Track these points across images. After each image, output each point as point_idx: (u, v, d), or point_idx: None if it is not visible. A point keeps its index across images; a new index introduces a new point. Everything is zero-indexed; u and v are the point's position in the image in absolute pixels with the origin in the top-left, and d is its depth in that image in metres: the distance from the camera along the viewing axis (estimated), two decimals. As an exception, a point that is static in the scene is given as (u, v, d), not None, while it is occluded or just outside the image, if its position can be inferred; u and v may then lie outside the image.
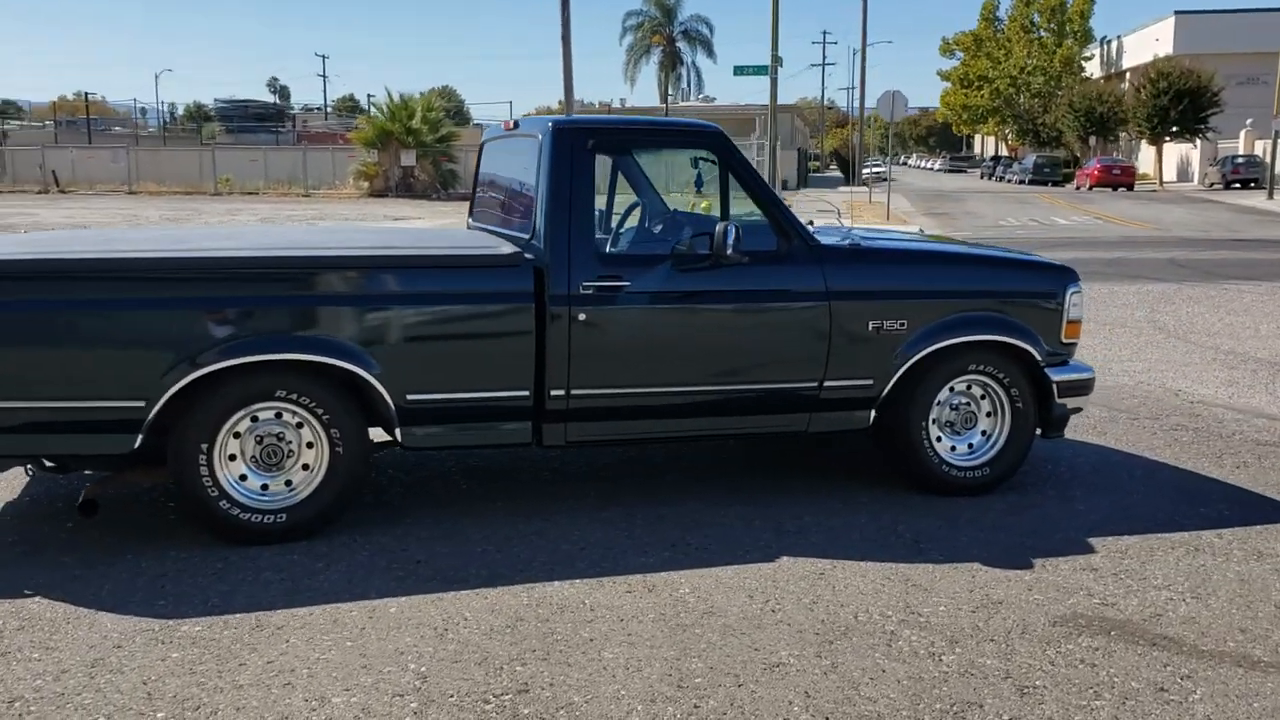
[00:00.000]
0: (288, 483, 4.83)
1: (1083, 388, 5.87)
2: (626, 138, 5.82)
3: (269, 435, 4.77)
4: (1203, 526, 5.20)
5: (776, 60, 26.12)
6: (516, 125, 5.72)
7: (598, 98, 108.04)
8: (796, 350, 5.34)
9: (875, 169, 55.37)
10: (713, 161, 5.35)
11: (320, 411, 4.76)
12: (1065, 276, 5.84)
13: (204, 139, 57.81)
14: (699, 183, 5.58)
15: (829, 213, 28.61)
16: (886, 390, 5.46)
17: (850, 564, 4.67)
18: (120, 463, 4.84)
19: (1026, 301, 5.72)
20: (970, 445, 5.70)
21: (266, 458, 4.78)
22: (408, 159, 40.91)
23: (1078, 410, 5.97)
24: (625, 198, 6.19)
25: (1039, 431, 5.80)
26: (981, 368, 5.61)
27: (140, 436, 4.60)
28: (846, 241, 5.65)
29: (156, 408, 4.56)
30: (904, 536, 5.03)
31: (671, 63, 79.09)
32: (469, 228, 6.38)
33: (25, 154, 45.28)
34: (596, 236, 5.23)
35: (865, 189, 40.86)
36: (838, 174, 75.00)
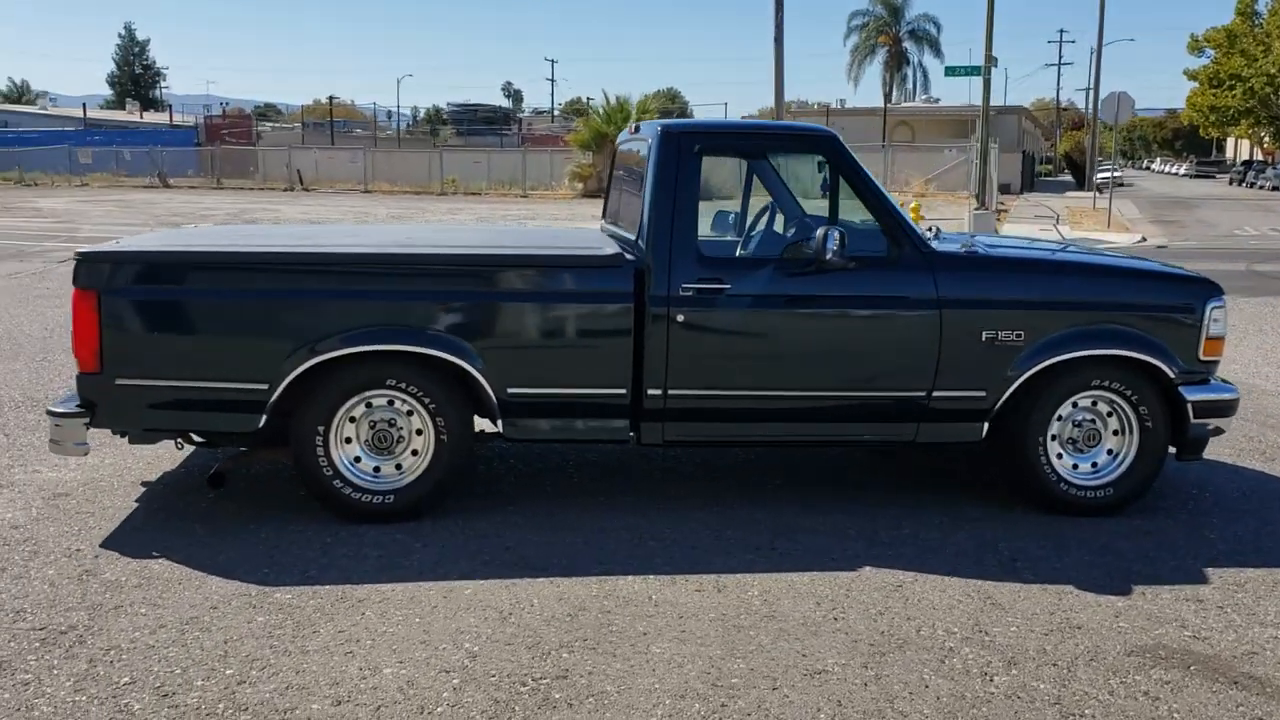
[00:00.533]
0: (398, 466, 5.10)
1: (1224, 409, 5.54)
2: (735, 141, 5.85)
3: (382, 421, 5.05)
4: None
5: (990, 61, 25.29)
6: (638, 129, 5.85)
7: (818, 98, 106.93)
8: (904, 358, 5.26)
9: (1109, 173, 52.73)
10: (826, 165, 5.32)
11: (427, 400, 5.03)
12: (1205, 290, 5.53)
13: (436, 142, 60.48)
14: (824, 187, 5.55)
15: (1047, 218, 27.57)
16: (1000, 403, 5.30)
17: (932, 578, 4.58)
18: (251, 440, 5.24)
19: (1159, 315, 5.45)
20: (1094, 464, 5.48)
21: (379, 442, 5.05)
22: (623, 160, 41.63)
23: (1219, 432, 5.64)
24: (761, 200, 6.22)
25: (1174, 453, 5.52)
26: (1107, 383, 5.38)
27: (264, 417, 4.96)
28: (963, 249, 5.51)
29: (278, 391, 4.91)
30: (1001, 554, 4.89)
31: (897, 63, 77.71)
32: (601, 229, 6.54)
33: (275, 154, 48.55)
34: (701, 239, 5.27)
35: (1093, 194, 39.01)
36: (1069, 178, 71.76)
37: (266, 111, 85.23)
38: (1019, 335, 5.28)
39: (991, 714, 3.49)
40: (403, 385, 5.02)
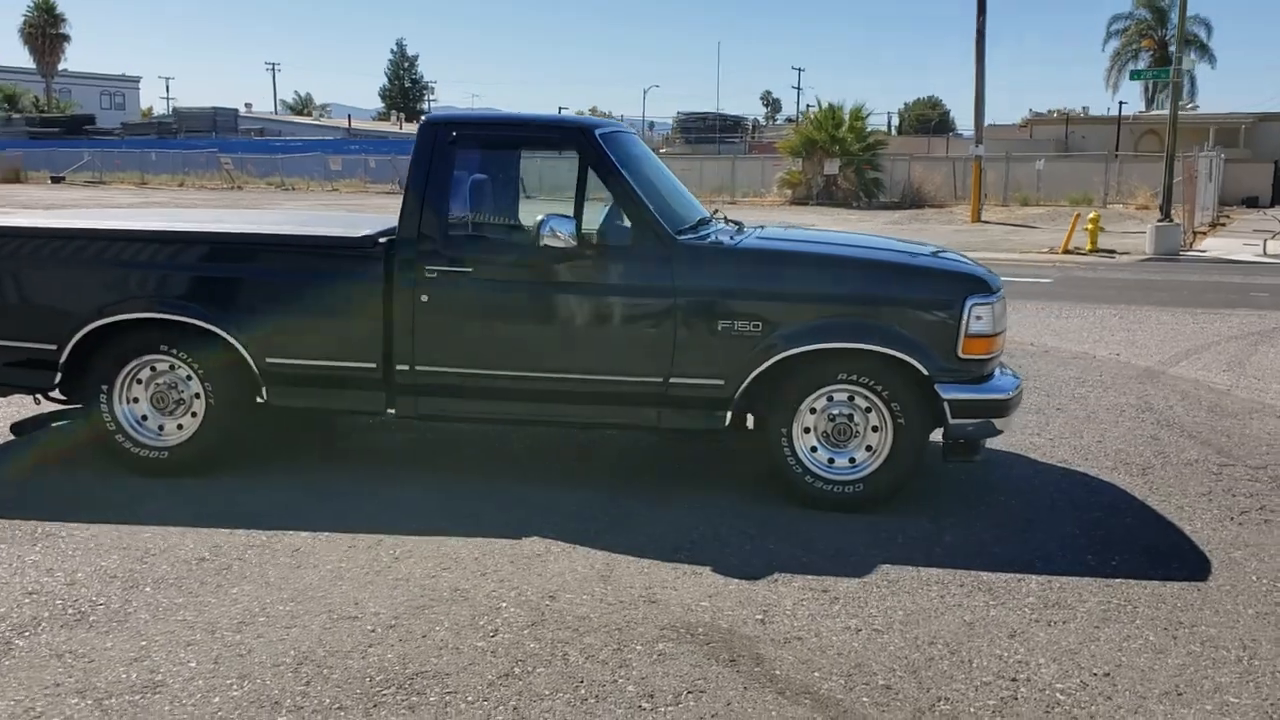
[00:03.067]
0: (179, 425, 5.64)
1: (993, 408, 5.38)
2: (491, 132, 6.09)
3: (164, 385, 5.59)
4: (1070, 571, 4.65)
5: (1180, 63, 23.72)
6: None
7: (1069, 104, 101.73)
8: (640, 345, 5.39)
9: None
10: (578, 158, 5.52)
11: (196, 367, 5.53)
12: (964, 286, 5.37)
13: (662, 149, 61.60)
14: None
15: (1268, 233, 25.37)
16: (739, 393, 5.35)
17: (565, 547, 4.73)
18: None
19: (911, 310, 5.35)
20: (852, 460, 5.44)
21: (158, 403, 5.62)
22: (830, 167, 41.31)
23: (990, 432, 5.45)
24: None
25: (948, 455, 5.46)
26: (855, 378, 5.33)
27: (58, 375, 5.61)
28: (711, 240, 5.58)
29: (65, 352, 5.54)
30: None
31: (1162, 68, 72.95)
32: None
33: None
34: (450, 224, 5.56)
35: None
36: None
37: None
38: (756, 326, 5.31)
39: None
40: (175, 352, 5.56)
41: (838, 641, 3.94)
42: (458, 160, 5.59)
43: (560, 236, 5.23)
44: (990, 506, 5.56)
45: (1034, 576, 4.61)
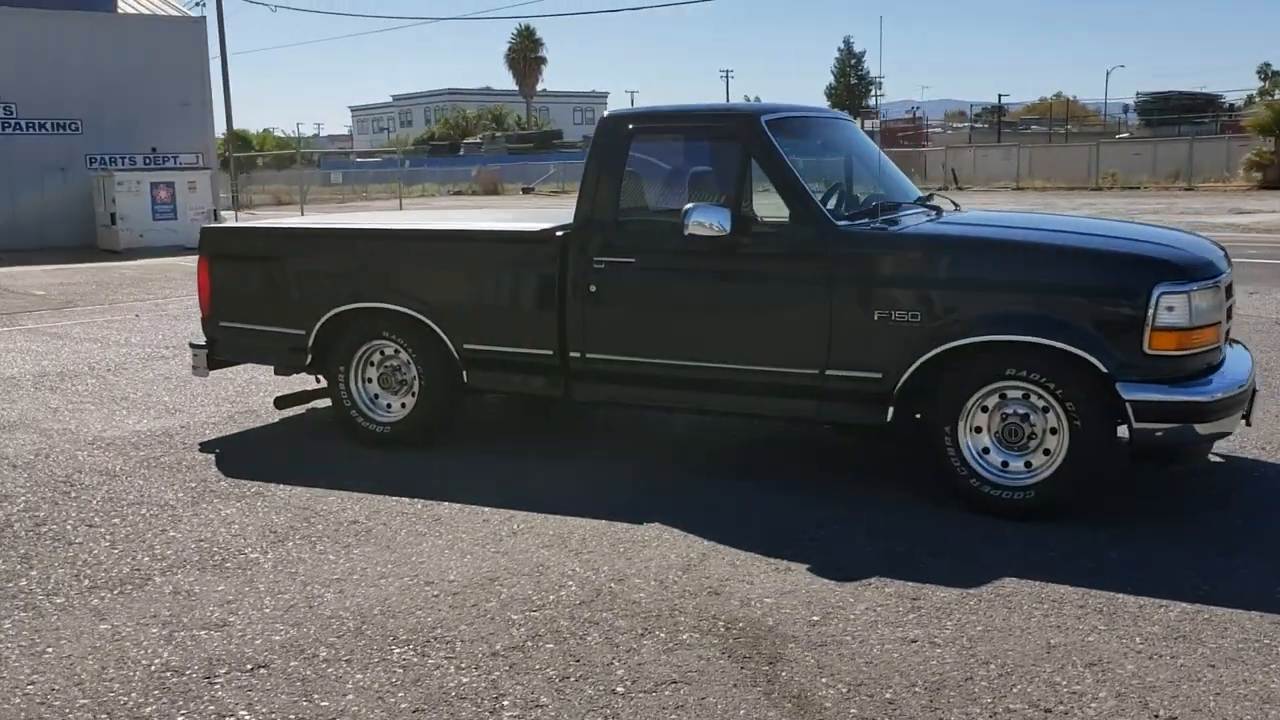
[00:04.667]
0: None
1: (1191, 412, 4.77)
2: (662, 124, 6.07)
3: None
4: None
5: None
6: None
7: None
8: (795, 334, 5.30)
9: None
10: (740, 148, 5.51)
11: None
12: (1152, 273, 4.77)
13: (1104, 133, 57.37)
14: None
15: None
16: (899, 386, 5.13)
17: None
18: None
19: (1088, 300, 4.85)
20: (1029, 464, 5.03)
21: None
22: (1311, 145, 36.66)
23: (1194, 439, 4.83)
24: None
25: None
26: (1024, 374, 4.93)
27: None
28: (873, 224, 5.34)
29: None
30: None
31: None
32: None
33: (937, 155, 49.80)
34: (619, 216, 5.72)
35: None
36: None
37: (997, 112, 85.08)
38: (914, 317, 5.06)
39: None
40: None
41: (880, 651, 3.70)
42: (630, 153, 5.72)
43: (706, 226, 5.23)
44: (1197, 523, 4.90)
45: (1182, 605, 4.03)
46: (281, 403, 6.94)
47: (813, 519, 5.00)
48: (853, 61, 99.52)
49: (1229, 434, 5.08)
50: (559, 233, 5.77)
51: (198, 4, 39.59)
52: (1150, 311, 4.69)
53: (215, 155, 26.82)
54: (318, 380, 6.66)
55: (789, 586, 4.23)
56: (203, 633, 3.86)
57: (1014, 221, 5.95)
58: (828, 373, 5.22)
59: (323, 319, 6.27)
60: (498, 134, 79.98)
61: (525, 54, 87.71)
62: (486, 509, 5.16)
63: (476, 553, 4.61)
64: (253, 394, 7.68)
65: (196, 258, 6.85)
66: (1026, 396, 4.95)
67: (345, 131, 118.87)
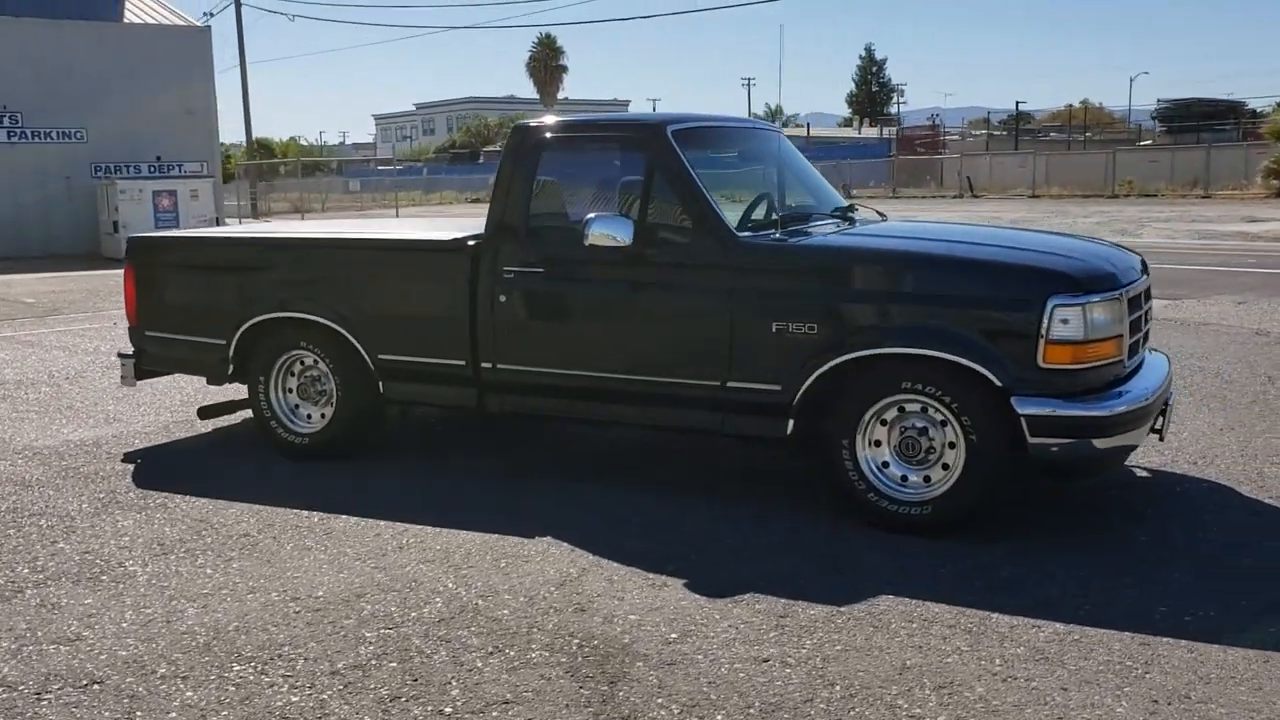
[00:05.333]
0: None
1: (1089, 427, 4.66)
2: (571, 135, 6.00)
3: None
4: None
5: None
6: None
7: None
8: (696, 346, 5.24)
9: None
10: (645, 158, 5.45)
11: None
12: (1049, 285, 4.67)
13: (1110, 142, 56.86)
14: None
15: None
16: (797, 399, 5.05)
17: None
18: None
19: (979, 312, 4.77)
20: (927, 478, 4.95)
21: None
22: (1325, 154, 36.25)
23: (1092, 453, 4.72)
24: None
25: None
26: (920, 387, 4.85)
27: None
28: (774, 236, 5.27)
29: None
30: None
31: None
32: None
33: (953, 162, 49.50)
34: (529, 226, 5.68)
35: None
36: None
37: (1015, 119, 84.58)
38: (810, 329, 4.99)
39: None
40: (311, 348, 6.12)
41: (728, 670, 3.64)
42: (541, 163, 5.67)
43: (606, 237, 5.17)
44: (1101, 540, 4.82)
45: (1056, 625, 3.95)
46: (205, 413, 6.93)
47: (709, 533, 4.94)
48: (874, 69, 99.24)
49: (1135, 447, 4.97)
50: (471, 242, 5.72)
51: (206, 15, 39.90)
52: (1044, 324, 4.59)
53: (220, 164, 26.94)
54: None
55: (658, 603, 4.17)
56: (52, 647, 3.83)
57: (921, 233, 5.86)
58: (729, 384, 5.15)
59: (242, 329, 6.25)
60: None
61: (546, 62, 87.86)
62: (383, 523, 5.12)
63: (354, 568, 4.57)
64: (195, 404, 7.68)
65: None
66: (925, 410, 4.87)
67: (370, 139, 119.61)
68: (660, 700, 3.44)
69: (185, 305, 6.57)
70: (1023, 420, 4.64)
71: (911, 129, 66.33)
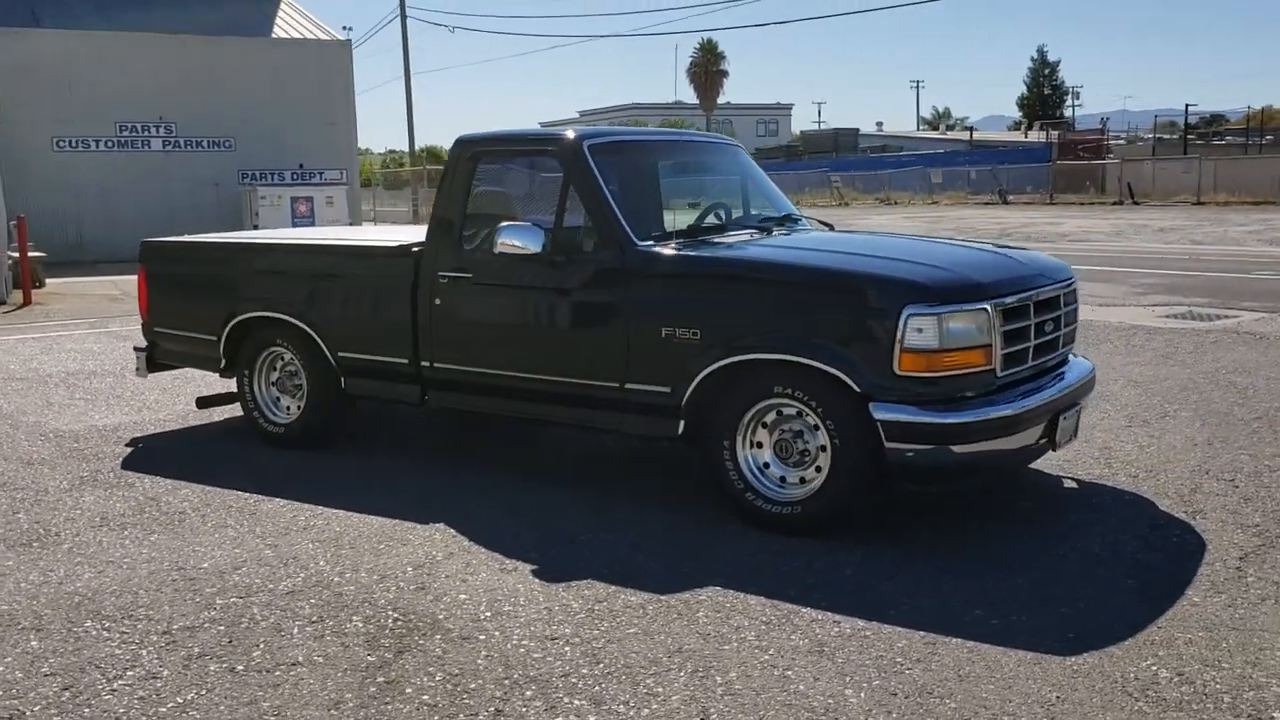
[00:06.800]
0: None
1: (945, 434, 4.78)
2: (500, 148, 6.32)
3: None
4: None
5: None
6: None
7: None
8: (597, 349, 5.54)
9: None
10: (562, 170, 5.77)
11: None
12: (904, 294, 4.79)
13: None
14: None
15: None
16: (685, 400, 5.30)
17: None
18: None
19: (842, 320, 4.93)
20: (803, 479, 5.14)
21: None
22: None
23: (948, 460, 4.82)
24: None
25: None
26: (790, 391, 5.05)
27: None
28: (669, 246, 5.50)
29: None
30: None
31: None
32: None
33: (1115, 168, 47.68)
34: (463, 234, 6.07)
35: None
36: None
37: (1210, 123, 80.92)
38: (694, 334, 5.23)
39: (182, 613, 4.30)
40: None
41: (512, 646, 3.92)
42: (476, 174, 6.05)
43: (513, 245, 5.51)
44: (966, 547, 4.94)
45: (856, 621, 4.12)
46: (203, 402, 7.54)
47: (587, 524, 5.22)
48: (1046, 71, 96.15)
49: (1019, 455, 5.05)
50: (415, 248, 6.14)
51: (346, 28, 41.71)
52: (898, 332, 4.71)
53: (357, 171, 28.29)
54: None
55: (495, 585, 4.48)
56: (-35, 607, 4.38)
57: (815, 244, 5.93)
58: (627, 386, 5.42)
59: (228, 325, 6.82)
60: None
61: (707, 68, 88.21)
62: (307, 506, 5.57)
63: (250, 545, 5.02)
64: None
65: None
66: (800, 414, 5.04)
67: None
68: (431, 669, 3.75)
69: (186, 303, 7.20)
70: (879, 425, 4.76)
71: (1077, 133, 64.04)
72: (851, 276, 5.04)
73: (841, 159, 62.84)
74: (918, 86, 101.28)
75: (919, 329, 4.69)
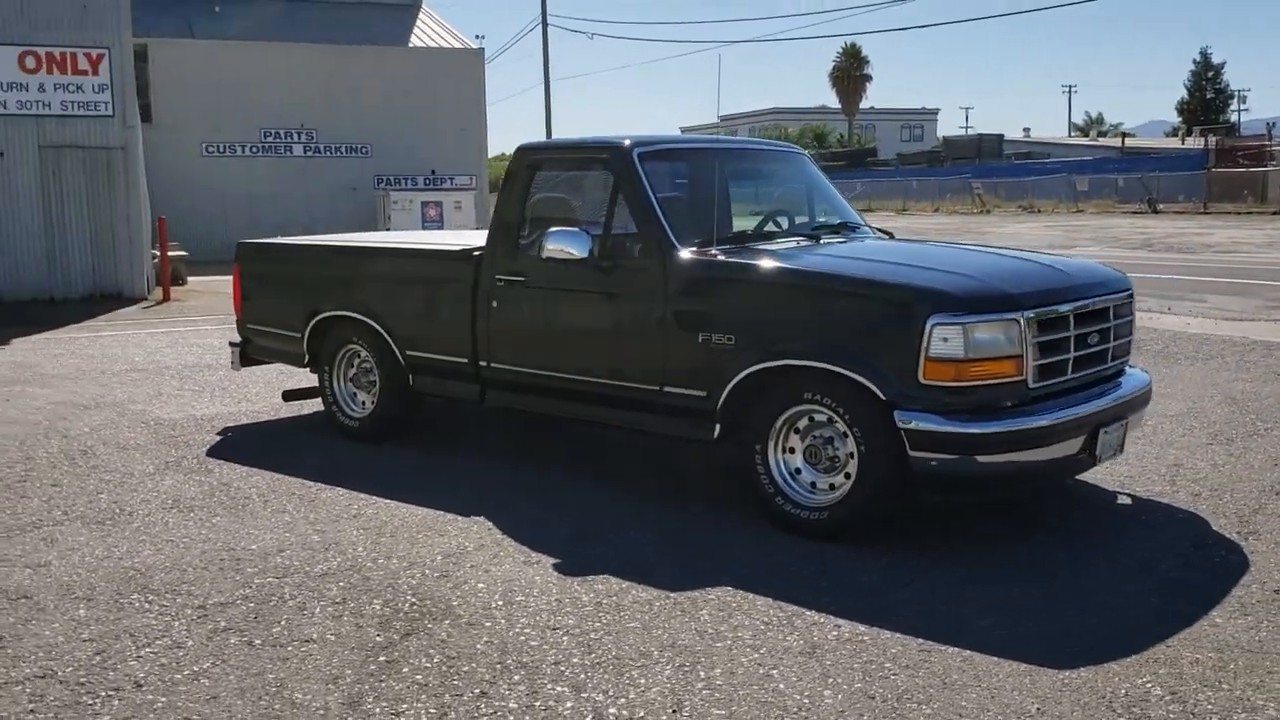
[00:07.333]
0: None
1: (968, 445, 4.79)
2: (557, 155, 6.47)
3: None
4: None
5: None
6: None
7: None
8: (638, 352, 5.68)
9: None
10: (611, 176, 5.93)
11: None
12: (931, 303, 4.79)
13: None
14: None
15: None
16: (720, 404, 5.41)
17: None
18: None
19: (870, 329, 4.97)
20: (832, 485, 5.20)
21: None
22: None
23: (972, 470, 4.83)
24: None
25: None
26: (819, 398, 5.12)
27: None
28: (710, 252, 5.60)
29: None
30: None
31: None
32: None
33: (1277, 175, 45.60)
34: (520, 238, 6.28)
35: None
36: None
37: None
38: (730, 340, 5.33)
39: (221, 590, 4.61)
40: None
41: (513, 634, 4.08)
42: (534, 180, 6.26)
43: (560, 250, 5.70)
44: (1004, 558, 4.93)
45: (857, 625, 4.17)
46: (288, 396, 7.92)
47: (620, 522, 5.36)
48: (1209, 74, 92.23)
49: (1052, 468, 5.02)
50: (476, 252, 6.38)
51: (478, 37, 42.60)
52: (924, 341, 4.72)
53: (486, 177, 28.97)
54: None
55: (513, 576, 4.66)
56: (20, 570, 4.78)
57: (854, 254, 5.92)
58: (665, 389, 5.54)
59: (310, 324, 7.18)
60: (820, 151, 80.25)
61: (849, 72, 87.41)
62: (362, 495, 5.84)
63: (299, 530, 5.31)
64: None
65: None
66: (830, 421, 5.09)
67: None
68: (431, 651, 3.94)
69: (274, 301, 7.60)
70: (903, 433, 4.78)
71: (1237, 139, 61.20)
72: (880, 285, 5.06)
73: (985, 165, 61.42)
74: (1069, 91, 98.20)
75: (945, 338, 4.68)
